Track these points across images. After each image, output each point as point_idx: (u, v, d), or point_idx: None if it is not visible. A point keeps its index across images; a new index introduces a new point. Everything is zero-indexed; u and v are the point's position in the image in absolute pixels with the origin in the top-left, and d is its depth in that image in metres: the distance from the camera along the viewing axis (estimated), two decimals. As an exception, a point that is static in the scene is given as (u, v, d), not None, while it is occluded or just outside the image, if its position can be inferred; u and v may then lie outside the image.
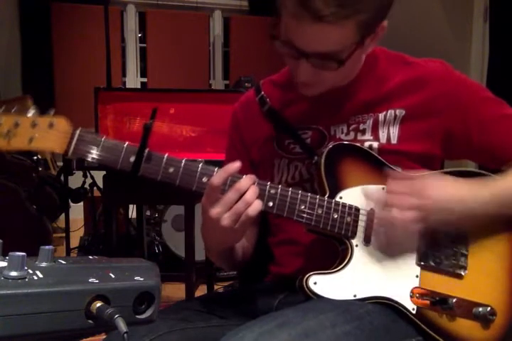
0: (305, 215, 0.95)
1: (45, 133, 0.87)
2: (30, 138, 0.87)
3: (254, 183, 0.91)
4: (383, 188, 1.00)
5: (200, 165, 0.92)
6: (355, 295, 0.94)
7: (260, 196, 0.93)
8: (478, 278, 1.02)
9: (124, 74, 5.74)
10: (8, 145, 0.86)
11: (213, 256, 1.13)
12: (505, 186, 1.02)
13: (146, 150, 0.90)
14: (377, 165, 1.03)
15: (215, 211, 0.90)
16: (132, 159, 0.90)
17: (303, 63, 0.97)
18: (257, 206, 0.90)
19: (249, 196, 0.89)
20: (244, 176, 0.91)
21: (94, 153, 0.89)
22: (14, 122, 0.86)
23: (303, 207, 0.95)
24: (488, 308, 0.99)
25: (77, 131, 0.89)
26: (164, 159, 0.91)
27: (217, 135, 2.33)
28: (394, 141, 1.06)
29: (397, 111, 1.06)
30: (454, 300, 0.97)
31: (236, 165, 0.90)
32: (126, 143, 0.91)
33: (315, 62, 0.96)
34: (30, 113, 0.87)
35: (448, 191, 0.97)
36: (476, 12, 4.13)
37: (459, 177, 1.05)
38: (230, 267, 1.18)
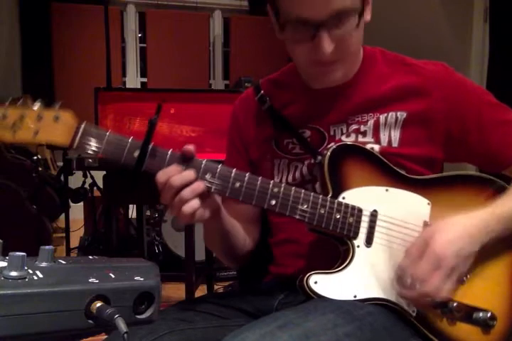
0: (307, 215, 0.95)
1: (50, 126, 0.88)
2: (35, 131, 0.87)
3: (192, 182, 0.90)
4: (386, 190, 1.00)
5: (203, 162, 0.92)
6: (355, 296, 0.93)
7: (263, 194, 0.93)
8: (479, 283, 1.01)
9: (124, 74, 5.75)
10: (14, 138, 0.86)
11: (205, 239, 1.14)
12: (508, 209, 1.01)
13: (151, 146, 0.90)
14: (380, 166, 1.02)
15: (161, 199, 0.92)
16: (136, 154, 0.90)
17: (323, 34, 0.95)
18: (191, 206, 0.90)
19: (184, 194, 0.89)
20: (185, 171, 0.90)
21: (98, 147, 0.89)
22: (20, 115, 0.86)
23: (305, 206, 0.95)
24: (489, 313, 0.98)
25: (83, 125, 0.89)
26: (168, 155, 0.91)
27: (217, 135, 2.34)
28: (395, 144, 1.05)
29: (399, 114, 1.06)
30: (455, 304, 0.96)
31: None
32: (131, 137, 0.91)
33: (333, 28, 0.94)
34: (36, 106, 0.88)
35: (460, 239, 0.94)
36: (476, 12, 4.13)
37: (458, 182, 1.05)
38: (225, 255, 1.16)
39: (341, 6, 0.93)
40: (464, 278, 1.01)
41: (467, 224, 0.96)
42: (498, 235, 0.98)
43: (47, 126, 0.87)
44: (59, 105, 0.89)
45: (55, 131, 0.88)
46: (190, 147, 0.92)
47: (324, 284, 0.92)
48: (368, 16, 1.02)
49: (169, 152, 0.92)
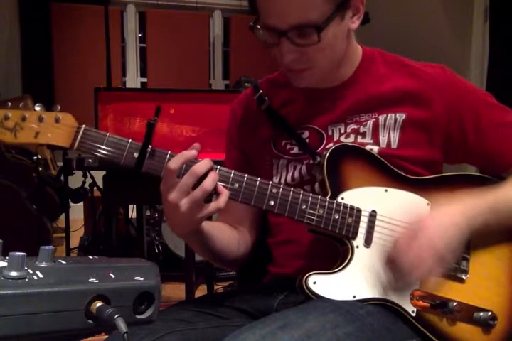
0: (306, 215, 0.95)
1: (51, 128, 0.89)
2: (36, 132, 0.88)
3: (212, 168, 0.91)
4: (386, 190, 1.00)
5: None
6: (354, 296, 0.93)
7: (262, 195, 0.93)
8: (479, 283, 1.02)
9: (124, 74, 5.74)
10: (15, 139, 0.88)
11: (185, 241, 1.08)
12: (502, 198, 1.02)
13: (150, 147, 0.91)
14: (379, 166, 1.02)
15: (171, 196, 0.90)
16: (136, 155, 0.91)
17: (284, 43, 0.97)
18: (224, 198, 0.90)
19: (207, 184, 0.89)
20: (201, 160, 0.91)
21: (98, 148, 0.90)
22: (21, 116, 0.87)
23: (304, 206, 0.95)
24: (489, 313, 0.99)
25: (83, 126, 0.91)
26: (167, 156, 0.92)
27: (217, 135, 2.33)
28: (394, 145, 1.05)
29: (398, 115, 1.06)
30: (455, 304, 0.96)
31: (193, 152, 0.90)
32: (130, 139, 0.92)
33: (294, 38, 0.95)
34: (38, 107, 0.89)
35: (446, 227, 0.95)
36: (476, 12, 4.13)
37: (457, 182, 1.05)
38: (214, 259, 1.13)
39: (298, 22, 0.93)
40: (464, 277, 1.01)
41: (452, 212, 0.97)
42: (488, 223, 0.98)
43: (48, 127, 0.89)
44: (59, 108, 0.91)
45: (56, 132, 0.89)
46: (197, 146, 0.93)
47: (323, 284, 0.92)
48: (353, 25, 1.01)
49: (168, 153, 0.92)
